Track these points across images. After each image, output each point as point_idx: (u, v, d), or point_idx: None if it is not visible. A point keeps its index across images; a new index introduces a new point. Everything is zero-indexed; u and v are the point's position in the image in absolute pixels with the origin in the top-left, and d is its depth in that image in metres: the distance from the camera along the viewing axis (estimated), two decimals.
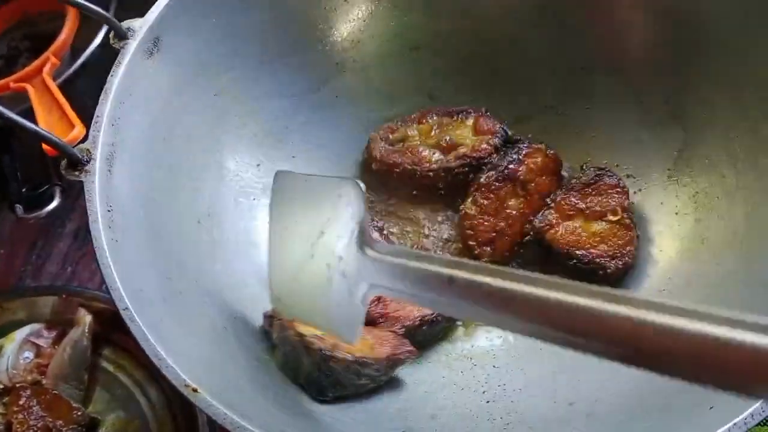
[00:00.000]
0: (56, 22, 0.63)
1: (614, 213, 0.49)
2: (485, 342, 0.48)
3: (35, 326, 0.54)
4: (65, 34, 0.60)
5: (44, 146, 0.40)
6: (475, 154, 0.52)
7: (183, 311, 0.40)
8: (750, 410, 0.32)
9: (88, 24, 0.62)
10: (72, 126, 0.48)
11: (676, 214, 0.50)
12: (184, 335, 0.38)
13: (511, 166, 0.51)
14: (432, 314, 0.47)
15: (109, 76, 0.42)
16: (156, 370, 0.34)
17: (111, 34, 0.44)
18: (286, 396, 0.41)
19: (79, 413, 0.49)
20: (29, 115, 0.51)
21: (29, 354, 0.52)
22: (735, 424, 0.31)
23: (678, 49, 0.49)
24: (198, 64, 0.49)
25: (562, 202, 0.50)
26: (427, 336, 0.48)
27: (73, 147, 0.39)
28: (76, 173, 0.39)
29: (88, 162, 0.39)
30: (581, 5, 0.52)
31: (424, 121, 0.55)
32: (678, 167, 0.51)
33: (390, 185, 0.54)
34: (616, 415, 0.39)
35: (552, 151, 0.52)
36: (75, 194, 0.62)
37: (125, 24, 0.44)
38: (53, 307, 0.55)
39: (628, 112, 0.53)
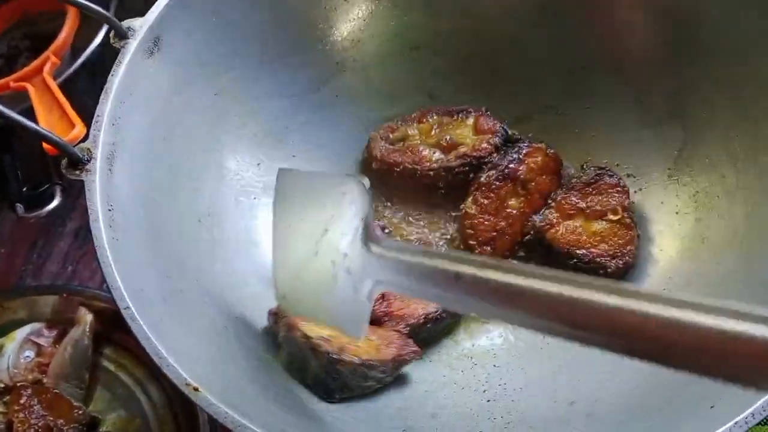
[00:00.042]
0: (56, 22, 0.63)
1: (615, 212, 0.49)
2: (486, 341, 0.48)
3: (36, 325, 0.54)
4: (65, 34, 0.60)
5: (45, 145, 0.40)
6: (475, 154, 0.52)
7: (183, 310, 0.40)
8: (751, 409, 0.32)
9: (88, 23, 0.62)
10: (72, 125, 0.48)
11: (677, 213, 0.50)
12: (184, 334, 0.38)
13: (511, 165, 0.51)
14: (436, 312, 0.47)
15: (110, 75, 0.42)
16: (157, 369, 0.34)
17: (111, 34, 0.44)
18: (286, 395, 0.41)
19: (80, 412, 0.49)
20: (29, 114, 0.51)
21: (30, 353, 0.52)
22: (736, 423, 0.31)
23: (678, 48, 0.49)
24: (198, 63, 0.49)
25: (563, 202, 0.50)
26: (431, 333, 0.48)
27: (74, 146, 0.39)
28: (77, 172, 0.39)
29: (88, 161, 0.39)
30: (581, 5, 0.52)
31: (424, 120, 0.55)
32: (678, 167, 0.51)
33: (390, 184, 0.54)
34: (617, 414, 0.39)
35: (552, 151, 0.52)
36: (75, 193, 0.62)
37: (125, 23, 0.44)
38: (54, 306, 0.55)
39: (628, 111, 0.53)
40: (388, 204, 0.55)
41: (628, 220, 0.49)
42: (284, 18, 0.53)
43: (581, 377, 0.42)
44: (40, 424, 0.47)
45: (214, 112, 0.50)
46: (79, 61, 0.60)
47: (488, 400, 0.44)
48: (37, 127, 0.39)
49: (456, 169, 0.52)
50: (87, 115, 0.43)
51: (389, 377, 0.43)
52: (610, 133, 0.54)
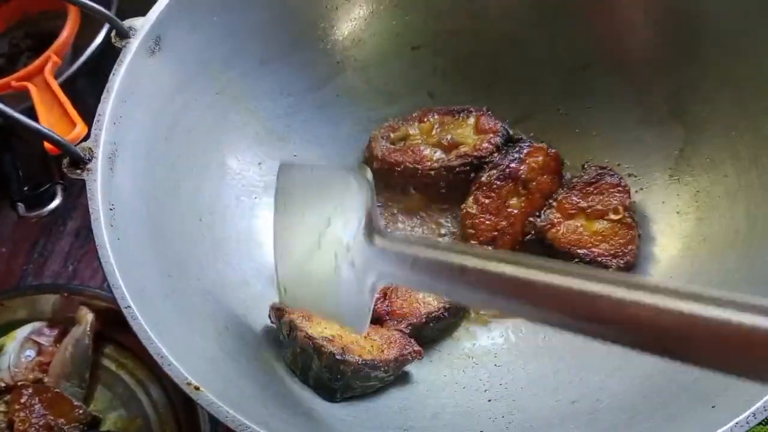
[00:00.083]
0: (58, 21, 0.63)
1: (616, 212, 0.49)
2: (487, 341, 0.48)
3: (37, 325, 0.54)
4: (67, 33, 0.60)
5: (46, 145, 0.40)
6: (476, 153, 0.52)
7: (184, 309, 0.40)
8: (752, 409, 0.32)
9: (89, 23, 0.61)
10: (74, 125, 0.47)
11: (678, 213, 0.50)
12: (185, 333, 0.38)
13: (512, 165, 0.51)
14: (438, 310, 0.47)
15: (111, 74, 0.42)
16: (158, 368, 0.34)
17: (113, 33, 0.44)
18: (288, 395, 0.41)
19: (80, 411, 0.49)
20: (31, 113, 0.51)
21: (31, 352, 0.52)
22: (737, 423, 0.31)
23: (678, 47, 0.49)
24: (199, 62, 0.49)
25: (564, 201, 0.50)
26: (433, 332, 0.48)
27: (75, 145, 0.39)
28: (78, 171, 0.39)
29: (90, 160, 0.39)
30: (582, 5, 0.52)
31: (425, 120, 0.55)
32: (679, 166, 0.51)
33: (391, 184, 0.54)
34: (618, 413, 0.39)
35: (553, 150, 0.52)
36: (76, 193, 0.62)
37: (127, 23, 0.44)
38: (55, 305, 0.55)
39: (629, 111, 0.53)
40: (389, 203, 0.55)
41: (629, 220, 0.49)
42: (285, 17, 0.53)
43: (583, 376, 0.42)
44: (40, 424, 0.47)
45: (216, 111, 0.50)
46: (81, 60, 0.59)
47: (489, 400, 0.44)
48: (39, 126, 0.39)
49: (457, 169, 0.52)
50: (88, 114, 0.43)
51: (391, 377, 0.43)
52: (611, 133, 0.54)
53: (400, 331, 0.46)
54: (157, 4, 0.45)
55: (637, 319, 0.23)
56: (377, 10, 0.56)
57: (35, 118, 0.51)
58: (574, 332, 0.26)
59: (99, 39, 0.60)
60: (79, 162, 0.39)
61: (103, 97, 0.42)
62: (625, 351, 0.25)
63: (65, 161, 0.39)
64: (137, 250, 0.39)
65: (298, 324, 0.42)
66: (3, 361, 0.52)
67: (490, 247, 0.50)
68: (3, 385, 0.51)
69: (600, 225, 0.49)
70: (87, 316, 0.53)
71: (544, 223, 0.50)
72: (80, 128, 0.46)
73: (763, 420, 0.32)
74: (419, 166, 0.53)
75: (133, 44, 0.43)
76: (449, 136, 0.54)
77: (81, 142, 0.40)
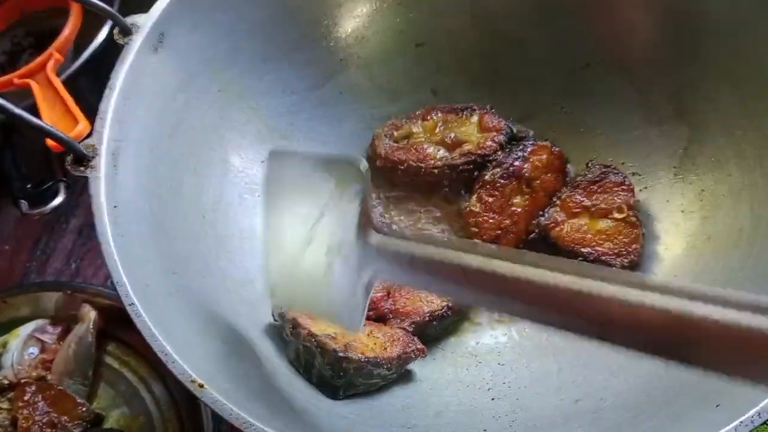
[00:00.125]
0: (60, 19, 0.62)
1: (620, 211, 0.49)
2: (490, 339, 0.48)
3: (40, 322, 0.54)
4: (68, 30, 0.60)
5: (49, 142, 0.40)
6: (480, 152, 0.52)
7: (188, 307, 0.40)
8: (757, 408, 0.31)
9: (91, 20, 0.61)
10: (76, 122, 0.47)
11: (682, 212, 0.49)
12: (189, 331, 0.38)
13: (516, 163, 0.51)
14: (441, 309, 0.47)
15: (114, 72, 0.42)
16: (162, 365, 0.34)
17: (115, 30, 0.44)
18: (291, 392, 0.41)
19: (83, 409, 0.49)
20: (33, 111, 0.51)
21: (34, 350, 0.53)
22: (741, 422, 0.31)
23: (678, 47, 0.49)
24: (202, 60, 0.49)
25: (568, 200, 0.50)
26: (436, 331, 0.48)
27: (78, 143, 0.39)
28: (82, 169, 0.39)
29: (93, 158, 0.39)
30: (583, 4, 0.52)
31: (428, 118, 0.55)
32: (684, 165, 0.50)
33: (394, 182, 0.54)
34: (622, 412, 0.39)
35: (557, 149, 0.52)
36: (79, 190, 0.62)
37: (129, 20, 0.44)
38: (58, 303, 0.55)
39: (632, 109, 0.53)
40: (392, 202, 0.55)
41: (633, 219, 0.49)
42: (288, 15, 0.53)
43: (586, 375, 0.42)
44: (44, 421, 0.48)
45: (218, 108, 0.50)
46: (83, 57, 0.59)
47: (493, 399, 0.43)
48: (42, 123, 0.39)
49: (460, 167, 0.52)
50: (91, 111, 0.43)
51: (394, 375, 0.43)
52: (615, 132, 0.54)
53: (404, 329, 0.45)
54: (159, 1, 0.45)
55: (651, 324, 0.22)
56: (380, 7, 0.56)
57: (38, 116, 0.51)
58: (580, 335, 0.25)
59: (101, 36, 0.60)
60: (83, 159, 0.39)
61: (105, 94, 0.42)
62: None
63: (68, 158, 0.39)
64: (140, 248, 0.39)
65: (300, 321, 0.42)
66: (6, 359, 0.52)
67: (493, 246, 0.50)
68: (6, 382, 0.51)
69: (604, 224, 0.49)
70: (90, 314, 0.53)
71: (547, 222, 0.50)
72: (83, 125, 0.46)
73: None
74: (422, 165, 0.53)
75: (136, 41, 0.43)
76: (453, 134, 0.53)
77: (84, 139, 0.40)
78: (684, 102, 0.50)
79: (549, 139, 0.53)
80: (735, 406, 0.32)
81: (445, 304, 0.47)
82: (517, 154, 0.51)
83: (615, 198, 0.49)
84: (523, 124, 0.55)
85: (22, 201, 0.57)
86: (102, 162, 0.39)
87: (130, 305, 0.35)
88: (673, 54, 0.50)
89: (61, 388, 0.50)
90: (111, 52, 0.44)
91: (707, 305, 0.21)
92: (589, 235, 0.48)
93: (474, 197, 0.51)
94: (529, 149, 0.52)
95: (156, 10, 0.44)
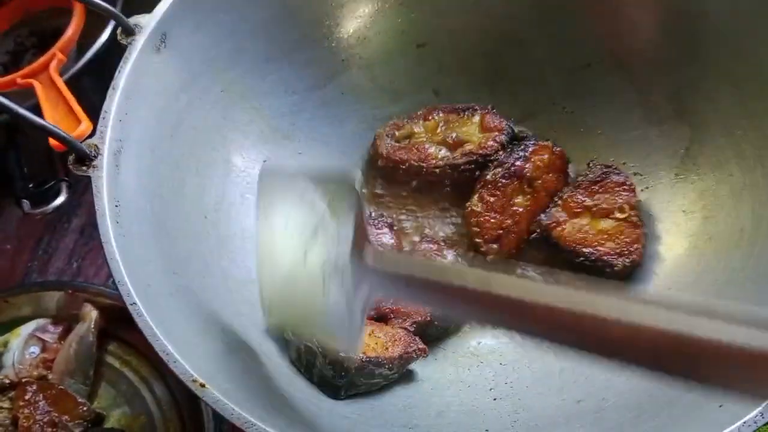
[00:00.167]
0: (62, 19, 0.63)
1: (621, 211, 0.49)
2: (492, 339, 0.48)
3: (41, 321, 0.54)
4: (72, 30, 0.60)
5: (51, 141, 0.40)
6: (481, 151, 0.52)
7: (189, 307, 0.40)
8: (759, 408, 0.31)
9: (94, 20, 0.61)
10: (79, 122, 0.47)
11: (684, 211, 0.49)
12: (190, 331, 0.38)
13: (517, 163, 0.51)
14: None
15: (117, 71, 0.42)
16: (163, 365, 0.34)
17: (118, 30, 0.44)
18: (292, 392, 0.41)
19: (84, 408, 0.49)
20: (36, 111, 0.51)
21: (35, 349, 0.53)
22: (744, 422, 0.31)
23: (678, 47, 0.49)
24: (204, 60, 0.49)
25: (569, 200, 0.50)
26: (438, 331, 0.48)
27: (81, 142, 0.39)
28: (84, 168, 0.39)
29: (95, 157, 0.39)
30: (584, 4, 0.52)
31: (430, 118, 0.55)
32: (685, 165, 0.50)
33: (396, 182, 0.54)
34: (624, 412, 0.39)
35: (559, 149, 0.52)
36: (81, 190, 0.63)
37: (132, 20, 0.44)
38: (59, 302, 0.55)
39: (633, 109, 0.53)
40: (393, 202, 0.55)
41: (635, 219, 0.49)
42: (290, 15, 0.53)
43: (588, 375, 0.42)
44: (45, 420, 0.48)
45: (220, 108, 0.50)
46: (86, 57, 0.59)
47: (495, 399, 0.43)
48: (45, 123, 0.39)
49: (462, 167, 0.52)
50: (93, 111, 0.43)
51: (395, 375, 0.43)
52: (616, 132, 0.54)
53: (405, 329, 0.45)
54: (162, 2, 0.45)
55: (657, 343, 0.23)
56: (382, 8, 0.56)
57: (40, 116, 0.51)
58: (577, 352, 0.25)
59: (104, 36, 0.60)
60: (85, 159, 0.39)
61: (108, 94, 0.42)
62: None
63: (70, 158, 0.39)
64: (142, 248, 0.39)
65: None
66: (7, 358, 0.52)
67: (495, 246, 0.50)
68: (7, 381, 0.51)
69: (606, 224, 0.49)
70: (91, 313, 0.53)
71: (549, 222, 0.50)
72: (85, 125, 0.46)
73: None
74: (424, 164, 0.53)
75: (139, 41, 0.43)
76: (454, 134, 0.53)
77: (86, 139, 0.40)
78: (684, 102, 0.50)
79: (550, 139, 0.53)
80: (738, 405, 0.32)
81: None
82: (518, 154, 0.51)
83: (617, 198, 0.49)
84: (524, 124, 0.55)
85: (25, 200, 0.57)
86: (104, 162, 0.39)
87: (131, 305, 0.35)
88: (673, 54, 0.50)
89: (62, 387, 0.50)
90: (114, 53, 0.44)
91: (696, 318, 0.21)
92: (591, 235, 0.48)
93: (475, 197, 0.51)
94: (530, 149, 0.52)
95: (159, 10, 0.45)
